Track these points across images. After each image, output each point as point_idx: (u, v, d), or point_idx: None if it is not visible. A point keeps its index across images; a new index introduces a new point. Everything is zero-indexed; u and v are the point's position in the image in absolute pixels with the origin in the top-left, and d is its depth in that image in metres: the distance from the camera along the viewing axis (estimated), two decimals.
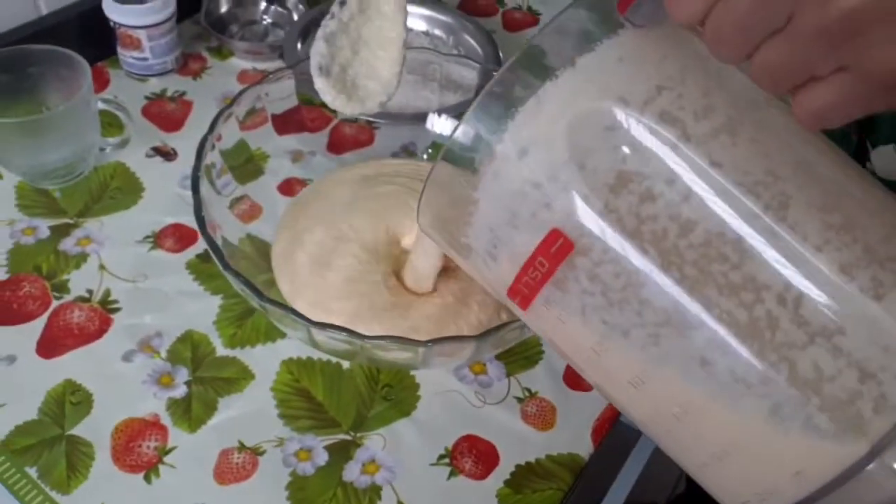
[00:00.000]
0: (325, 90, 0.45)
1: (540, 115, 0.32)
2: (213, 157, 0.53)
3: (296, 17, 0.79)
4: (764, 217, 0.30)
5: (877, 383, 0.28)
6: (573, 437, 0.52)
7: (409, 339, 0.44)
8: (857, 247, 0.30)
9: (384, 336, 0.44)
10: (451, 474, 0.50)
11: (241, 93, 0.55)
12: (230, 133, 0.55)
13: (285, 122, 0.61)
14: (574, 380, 0.55)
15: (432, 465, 0.50)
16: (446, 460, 0.50)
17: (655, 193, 0.31)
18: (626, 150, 0.31)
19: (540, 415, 0.53)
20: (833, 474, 0.29)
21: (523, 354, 0.56)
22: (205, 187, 0.51)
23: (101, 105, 0.62)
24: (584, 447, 0.52)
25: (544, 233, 0.32)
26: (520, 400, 0.54)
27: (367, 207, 0.56)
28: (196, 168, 0.51)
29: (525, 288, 0.34)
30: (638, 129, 0.31)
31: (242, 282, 0.45)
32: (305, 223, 0.55)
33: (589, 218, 0.32)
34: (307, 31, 0.74)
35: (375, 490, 0.49)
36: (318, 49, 0.45)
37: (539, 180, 0.32)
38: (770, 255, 0.30)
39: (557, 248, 0.32)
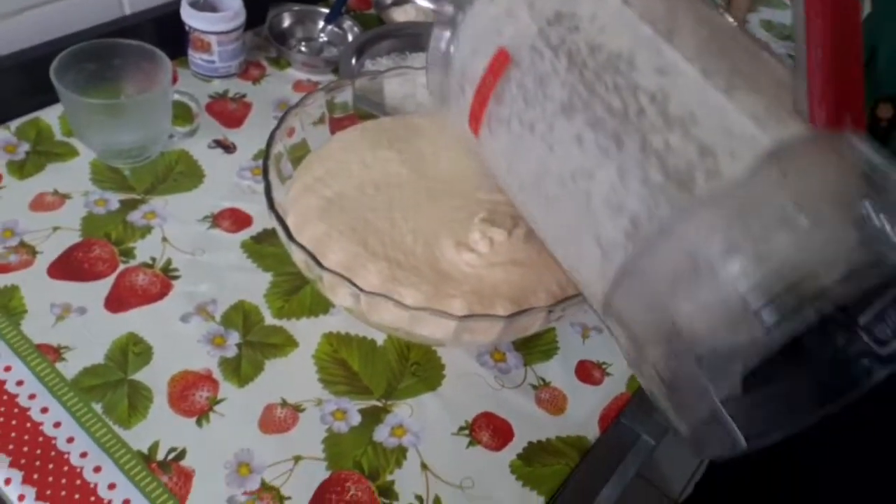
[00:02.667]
0: None
1: None
2: (280, 147, 0.59)
3: (350, 38, 0.86)
4: (654, 38, 0.39)
5: (713, 159, 0.36)
6: (581, 423, 0.58)
7: (448, 313, 0.50)
8: (724, 62, 0.38)
9: (424, 307, 0.50)
10: (470, 444, 0.55)
11: (309, 94, 0.62)
12: (297, 128, 0.61)
13: (339, 127, 0.68)
14: (584, 374, 0.61)
15: (453, 434, 0.56)
16: (466, 431, 0.56)
17: (580, 27, 0.42)
18: None
19: (552, 401, 0.59)
20: (659, 225, 0.36)
21: (540, 348, 0.62)
22: (272, 173, 0.57)
23: (175, 96, 0.69)
24: (591, 432, 0.57)
25: (493, 52, 0.44)
26: (534, 387, 0.59)
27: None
28: (266, 155, 0.57)
29: (477, 105, 0.46)
30: None
31: (304, 251, 0.51)
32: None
33: (526, 37, 0.43)
34: (361, 50, 0.81)
35: (402, 451, 0.54)
36: None
37: (498, 14, 0.45)
38: (652, 66, 0.39)
39: (500, 64, 0.44)
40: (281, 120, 0.60)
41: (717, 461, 1.14)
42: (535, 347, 0.62)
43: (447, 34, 0.50)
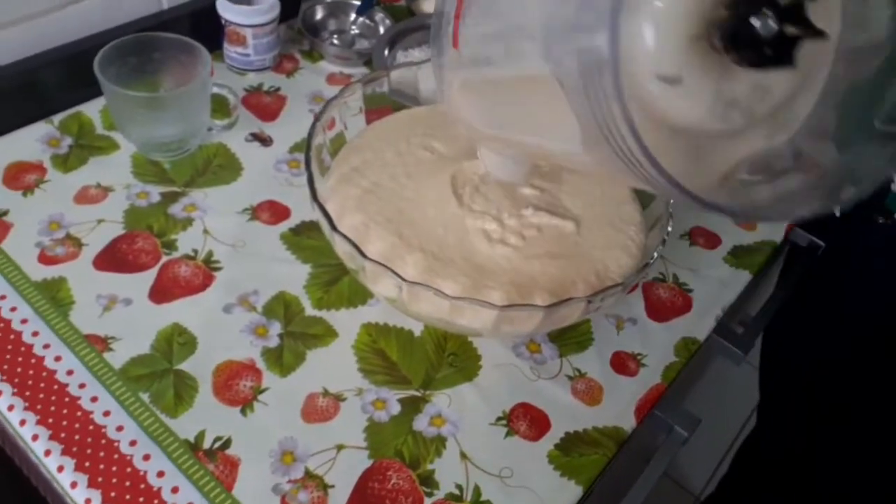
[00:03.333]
0: None
1: None
2: (321, 139, 0.60)
3: (381, 30, 0.87)
4: None
5: None
6: (618, 413, 0.58)
7: (489, 303, 0.50)
8: None
9: (465, 297, 0.51)
10: (508, 434, 0.56)
11: (347, 87, 0.62)
12: (337, 120, 0.62)
13: (374, 119, 0.68)
14: (620, 365, 0.61)
15: (491, 424, 0.56)
16: (504, 422, 0.57)
17: None
18: None
19: (588, 392, 0.59)
20: None
21: (575, 340, 0.63)
22: (314, 165, 0.58)
23: (214, 89, 0.70)
24: (627, 422, 0.58)
25: None
26: (570, 378, 0.60)
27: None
28: (308, 146, 0.58)
29: (456, 19, 0.45)
30: None
31: (348, 241, 0.51)
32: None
33: None
34: (393, 41, 0.82)
35: (441, 440, 0.55)
36: None
37: None
38: None
39: None
40: (322, 111, 0.60)
41: (743, 455, 1.14)
42: (569, 339, 0.63)
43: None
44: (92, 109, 0.74)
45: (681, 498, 1.37)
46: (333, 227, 0.53)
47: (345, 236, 0.52)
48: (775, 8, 0.34)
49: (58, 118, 0.72)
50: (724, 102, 0.38)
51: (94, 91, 0.67)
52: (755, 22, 0.34)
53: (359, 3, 0.88)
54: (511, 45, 0.44)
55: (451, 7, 0.48)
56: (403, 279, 0.50)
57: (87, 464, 0.50)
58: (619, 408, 0.59)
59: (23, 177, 0.67)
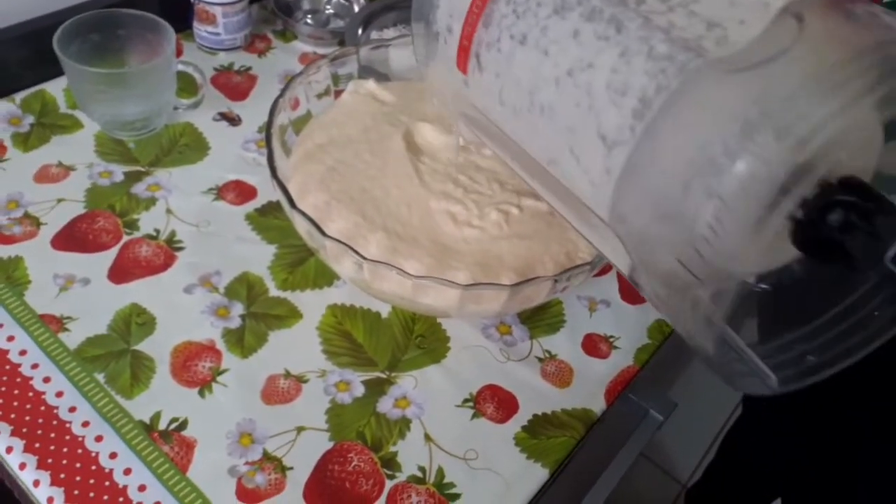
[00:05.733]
0: None
1: None
2: (284, 118, 0.59)
3: (356, 9, 0.85)
4: None
5: (722, 29, 0.33)
6: (587, 396, 0.57)
7: (451, 281, 0.49)
8: None
9: (427, 276, 0.49)
10: (474, 416, 0.55)
11: (313, 64, 0.61)
12: (302, 99, 0.61)
13: None
14: (591, 347, 0.60)
15: (457, 406, 0.55)
16: (470, 404, 0.55)
17: None
18: None
19: (558, 374, 0.58)
20: (669, 94, 0.33)
21: (546, 321, 0.61)
22: (276, 143, 0.56)
23: (180, 67, 0.69)
24: (597, 404, 0.56)
25: None
26: (540, 360, 0.59)
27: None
28: (269, 123, 0.56)
29: (465, 40, 0.42)
30: None
31: (307, 219, 0.50)
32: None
33: None
34: (368, 20, 0.80)
35: (405, 422, 0.54)
36: None
37: None
38: None
39: None
40: (284, 89, 0.59)
41: (729, 443, 1.13)
42: (541, 320, 0.61)
43: None
44: (56, 88, 0.72)
45: (667, 486, 1.37)
46: (292, 205, 0.51)
47: (304, 214, 0.50)
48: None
49: (20, 96, 0.71)
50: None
51: (58, 69, 0.65)
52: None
53: None
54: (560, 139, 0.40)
55: (459, 10, 0.43)
56: (364, 257, 0.49)
57: (37, 445, 0.49)
58: (589, 390, 0.57)
59: None
